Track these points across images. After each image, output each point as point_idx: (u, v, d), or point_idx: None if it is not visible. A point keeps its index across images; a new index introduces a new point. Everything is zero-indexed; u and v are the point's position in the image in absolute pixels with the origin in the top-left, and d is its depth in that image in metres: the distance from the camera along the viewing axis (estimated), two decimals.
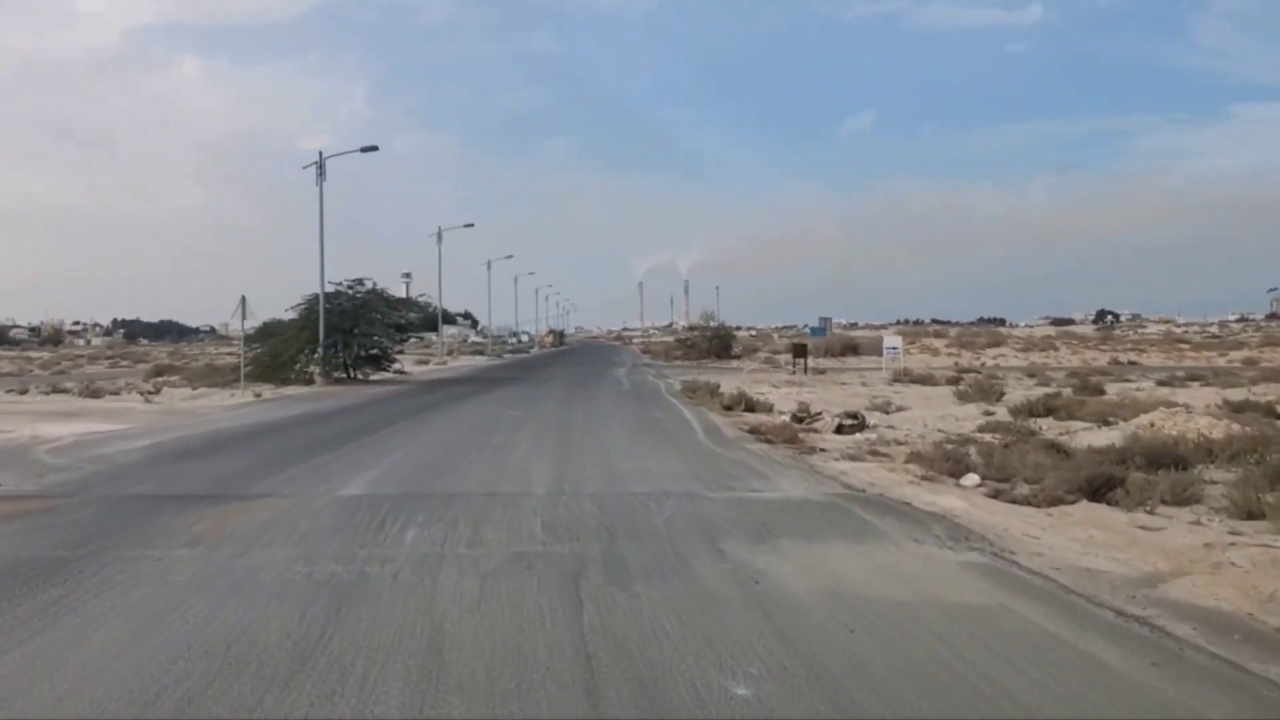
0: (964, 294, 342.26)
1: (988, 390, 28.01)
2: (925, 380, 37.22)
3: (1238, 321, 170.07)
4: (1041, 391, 30.48)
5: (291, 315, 34.37)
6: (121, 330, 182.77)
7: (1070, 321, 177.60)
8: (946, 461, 11.26)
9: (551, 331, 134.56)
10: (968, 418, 21.09)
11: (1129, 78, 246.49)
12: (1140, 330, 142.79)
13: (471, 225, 61.67)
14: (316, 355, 32.29)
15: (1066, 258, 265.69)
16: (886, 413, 23.78)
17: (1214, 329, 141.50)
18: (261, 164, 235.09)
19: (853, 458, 12.58)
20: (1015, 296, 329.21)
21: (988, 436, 16.57)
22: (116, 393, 25.84)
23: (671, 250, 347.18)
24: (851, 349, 58.76)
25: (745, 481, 10.23)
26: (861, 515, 8.13)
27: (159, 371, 35.66)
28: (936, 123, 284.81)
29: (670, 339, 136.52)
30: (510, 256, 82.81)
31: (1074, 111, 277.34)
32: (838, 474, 11.01)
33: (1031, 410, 21.04)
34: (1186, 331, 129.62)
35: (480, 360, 66.84)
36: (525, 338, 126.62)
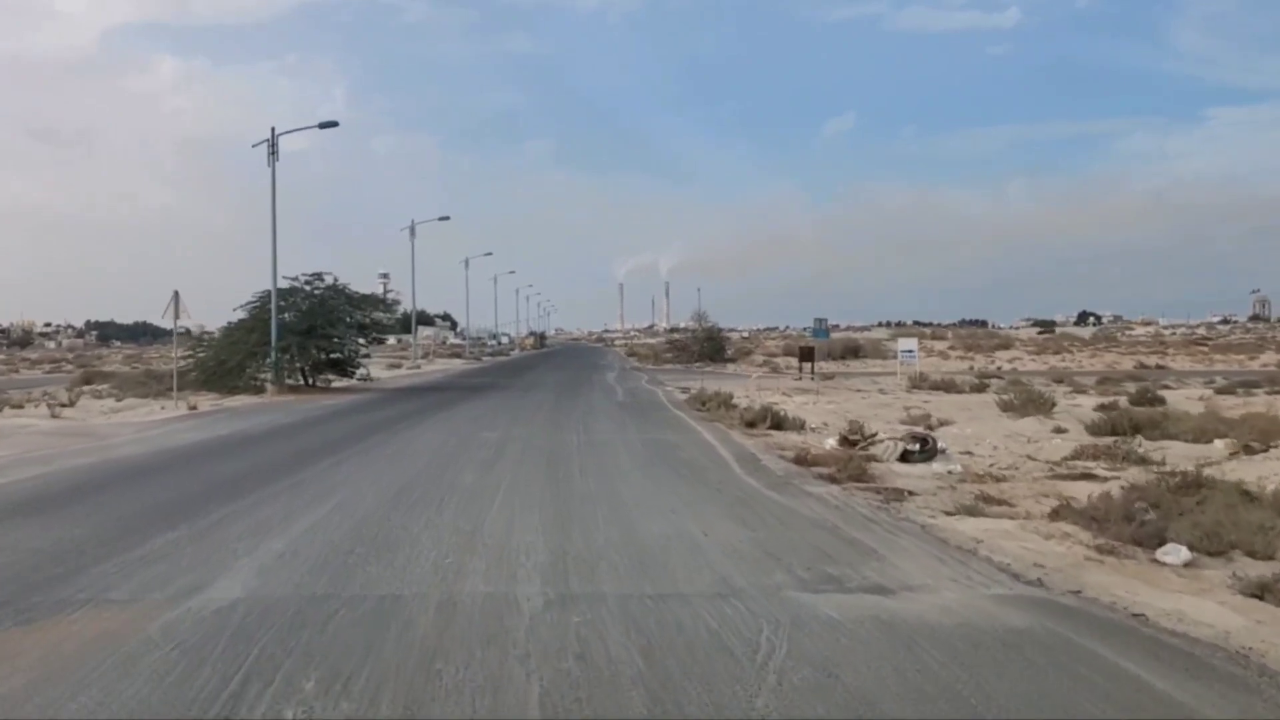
0: (944, 295, 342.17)
1: (1037, 401, 24.53)
2: (948, 387, 33.81)
3: (1222, 323, 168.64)
4: (1094, 401, 27.13)
5: (241, 315, 30.46)
6: (94, 332, 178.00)
7: (1053, 323, 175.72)
8: (1128, 523, 7.66)
9: (532, 333, 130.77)
10: (1038, 436, 17.65)
11: (1106, 81, 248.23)
12: (1127, 332, 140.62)
13: (447, 219, 57.82)
14: (268, 360, 28.40)
15: (1046, 259, 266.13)
16: (931, 428, 20.33)
17: (1201, 330, 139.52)
18: (239, 165, 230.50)
19: (968, 510, 8.96)
20: (996, 298, 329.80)
21: (1096, 467, 13.07)
22: (21, 405, 21.90)
23: (652, 252, 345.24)
24: (852, 351, 55.38)
25: (850, 563, 6.58)
26: (1125, 667, 4.47)
27: (88, 379, 31.57)
28: (916, 125, 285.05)
29: (654, 340, 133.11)
30: (489, 254, 78.98)
31: (1052, 114, 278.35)
32: (969, 542, 7.40)
33: (1115, 428, 17.65)
34: (1174, 333, 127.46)
35: (458, 364, 62.91)
36: (505, 340, 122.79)
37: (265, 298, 29.26)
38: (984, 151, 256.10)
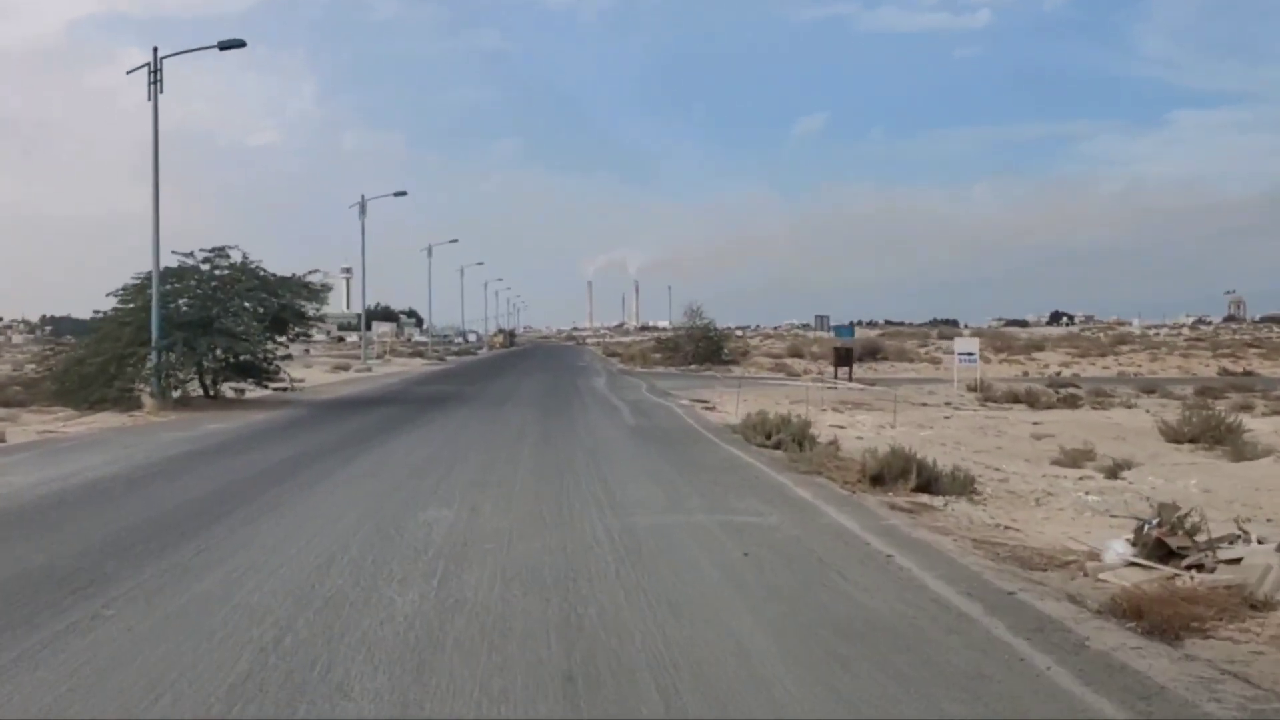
0: (915, 295, 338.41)
1: (1219, 428, 17.73)
2: (1031, 400, 26.96)
3: (1197, 324, 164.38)
4: (1267, 425, 20.40)
5: (116, 304, 22.81)
6: (49, 327, 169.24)
7: (1024, 323, 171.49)
8: None
9: (501, 331, 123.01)
10: None
11: (1073, 84, 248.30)
12: (1109, 333, 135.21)
13: (404, 194, 50.36)
14: (149, 364, 20.89)
15: (1015, 260, 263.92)
16: (1114, 474, 13.53)
17: (1185, 330, 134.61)
18: (207, 161, 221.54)
19: None
20: (965, 298, 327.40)
21: None
22: None
23: (621, 250, 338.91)
24: (871, 353, 48.50)
25: None
26: None
27: None
28: (885, 126, 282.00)
29: (628, 339, 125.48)
30: (455, 240, 71.37)
31: (1019, 116, 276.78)
32: None
33: None
34: (1158, 333, 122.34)
35: (418, 364, 55.25)
36: (473, 337, 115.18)
37: (147, 281, 21.68)
38: (952, 152, 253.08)
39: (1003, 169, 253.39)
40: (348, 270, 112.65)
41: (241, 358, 22.79)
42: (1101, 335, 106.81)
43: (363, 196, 45.70)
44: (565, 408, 21.95)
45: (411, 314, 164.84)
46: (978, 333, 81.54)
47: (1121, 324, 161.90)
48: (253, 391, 24.15)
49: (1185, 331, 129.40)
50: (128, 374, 21.10)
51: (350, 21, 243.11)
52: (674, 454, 13.24)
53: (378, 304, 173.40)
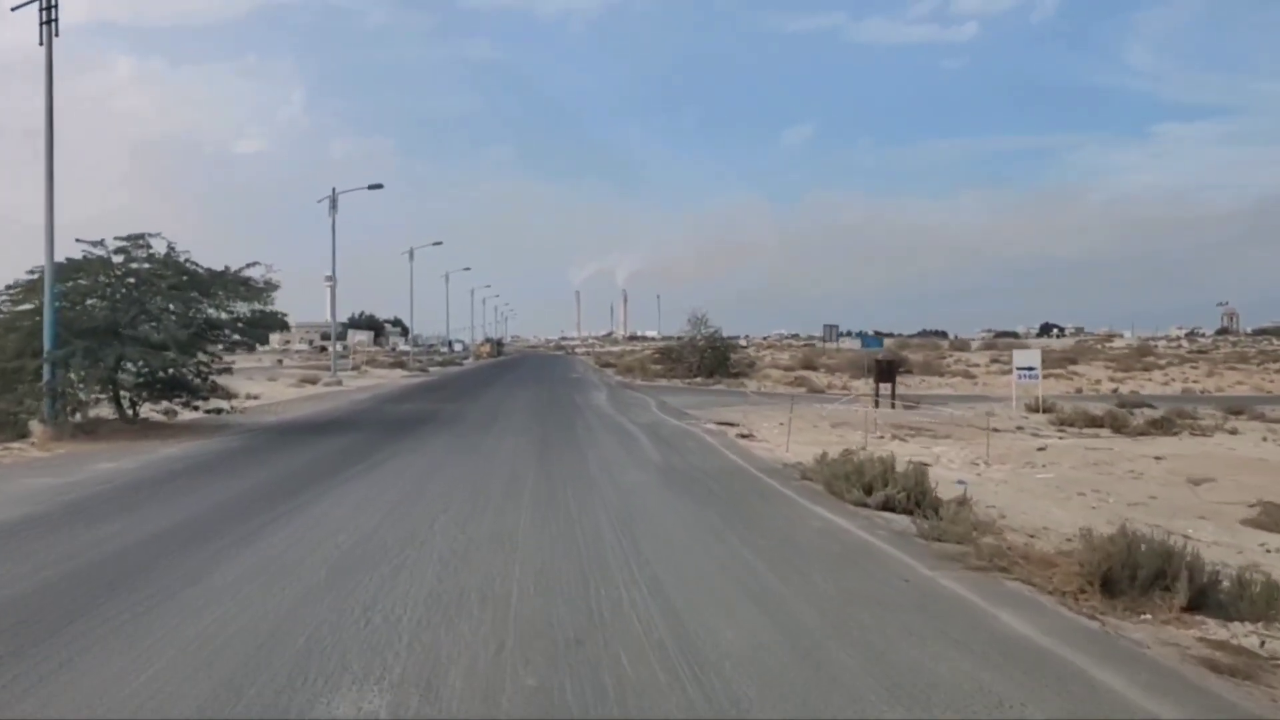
0: (903, 305, 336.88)
1: None
2: (1115, 425, 22.79)
3: (1192, 335, 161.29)
4: None
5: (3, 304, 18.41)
6: None
7: (1015, 334, 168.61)
8: None
9: (489, 340, 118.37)
10: None
11: (1059, 96, 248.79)
12: (1108, 345, 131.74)
13: (380, 187, 46.12)
14: (44, 380, 16.49)
15: (1002, 270, 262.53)
16: None
17: (1182, 342, 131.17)
18: (195, 167, 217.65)
19: None
20: (954, 308, 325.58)
21: None
22: None
23: (609, 258, 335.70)
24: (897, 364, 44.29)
25: None
26: None
27: None
28: (873, 136, 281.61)
29: (617, 348, 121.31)
30: (439, 243, 67.01)
31: (1006, 127, 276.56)
32: None
33: None
34: (1157, 345, 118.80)
35: (398, 376, 50.79)
36: (459, 347, 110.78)
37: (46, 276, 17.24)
38: (940, 162, 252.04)
39: (990, 180, 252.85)
40: (330, 278, 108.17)
41: (168, 372, 18.37)
42: (1099, 345, 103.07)
43: (333, 190, 41.54)
44: (568, 434, 17.65)
45: (397, 323, 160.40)
46: (963, 344, 77.64)
47: (1113, 335, 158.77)
48: (187, 413, 19.77)
49: (1183, 344, 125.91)
50: (17, 392, 16.72)
51: (339, 29, 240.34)
52: (745, 523, 8.94)
53: (362, 313, 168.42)
